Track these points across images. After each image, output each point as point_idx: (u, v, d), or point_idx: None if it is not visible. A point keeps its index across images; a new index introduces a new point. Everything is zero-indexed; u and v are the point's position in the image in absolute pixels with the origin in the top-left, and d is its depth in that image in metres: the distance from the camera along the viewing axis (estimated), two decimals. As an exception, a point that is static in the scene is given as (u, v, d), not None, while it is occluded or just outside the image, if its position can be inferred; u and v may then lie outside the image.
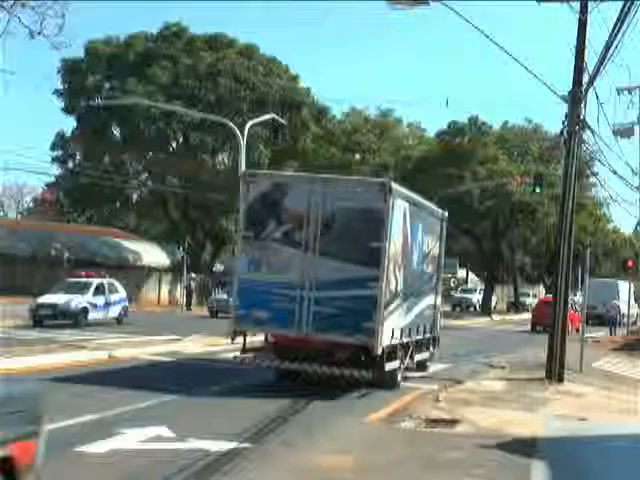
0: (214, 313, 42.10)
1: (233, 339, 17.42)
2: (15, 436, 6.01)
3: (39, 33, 15.75)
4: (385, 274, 16.45)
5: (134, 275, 54.56)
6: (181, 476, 9.44)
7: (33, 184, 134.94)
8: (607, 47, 18.08)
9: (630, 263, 44.53)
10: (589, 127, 21.15)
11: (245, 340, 17.75)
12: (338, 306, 16.35)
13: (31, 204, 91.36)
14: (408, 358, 19.15)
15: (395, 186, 17.52)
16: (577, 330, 32.79)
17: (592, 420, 15.07)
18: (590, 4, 19.40)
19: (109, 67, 52.65)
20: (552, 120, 37.75)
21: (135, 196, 60.06)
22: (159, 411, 13.50)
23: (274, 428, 12.50)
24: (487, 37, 19.25)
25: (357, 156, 60.90)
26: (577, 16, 19.53)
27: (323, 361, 16.86)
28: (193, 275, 50.59)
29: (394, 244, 17.14)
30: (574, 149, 20.27)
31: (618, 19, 16.89)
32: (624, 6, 16.50)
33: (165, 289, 54.29)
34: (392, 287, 17.25)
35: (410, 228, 18.66)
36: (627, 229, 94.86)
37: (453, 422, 13.93)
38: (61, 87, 52.70)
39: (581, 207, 57.27)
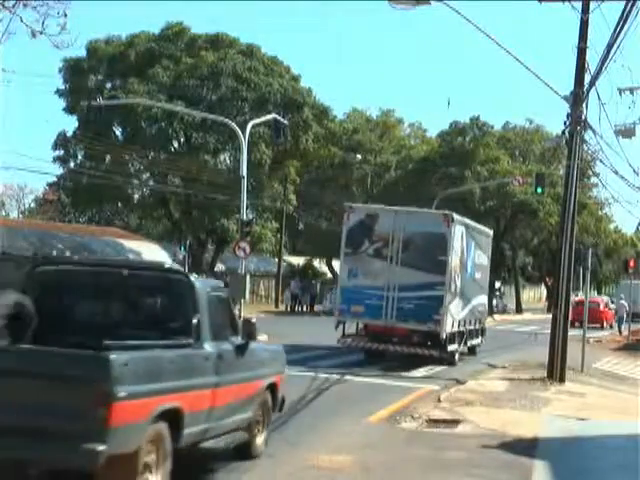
0: None
1: (337, 327, 23.68)
2: (277, 372, 11.27)
3: (41, 32, 15.72)
4: (448, 280, 22.57)
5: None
6: (185, 474, 9.43)
7: (34, 184, 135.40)
8: (609, 47, 18.06)
9: (632, 263, 44.54)
10: (591, 127, 21.16)
11: (344, 328, 23.90)
12: (414, 303, 22.34)
13: (32, 204, 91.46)
14: (463, 343, 24.95)
15: (455, 216, 23.68)
16: (611, 326, 40.56)
17: (594, 420, 15.07)
18: (592, 4, 19.39)
19: (110, 67, 52.61)
20: (554, 120, 37.81)
21: (136, 196, 60.01)
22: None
23: (276, 427, 12.48)
24: (488, 37, 19.26)
25: (358, 156, 60.84)
26: (579, 16, 19.52)
27: (403, 343, 22.93)
28: (195, 275, 50.60)
29: (454, 258, 23.30)
30: (576, 149, 20.26)
31: (620, 19, 16.87)
32: (626, 6, 16.48)
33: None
34: (453, 289, 23.28)
35: (466, 245, 24.97)
36: (629, 229, 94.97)
37: (454, 422, 13.93)
38: (62, 87, 52.71)
39: (583, 207, 57.29)
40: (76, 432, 7.23)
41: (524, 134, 72.26)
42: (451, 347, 23.35)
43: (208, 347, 9.13)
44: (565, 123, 20.31)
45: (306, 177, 61.90)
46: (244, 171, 31.72)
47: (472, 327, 26.34)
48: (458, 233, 23.93)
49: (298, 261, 70.76)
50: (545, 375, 20.51)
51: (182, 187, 51.38)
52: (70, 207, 74.02)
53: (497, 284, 71.89)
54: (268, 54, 54.75)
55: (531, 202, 60.30)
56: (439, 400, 16.24)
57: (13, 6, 15.71)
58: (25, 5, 15.73)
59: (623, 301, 47.99)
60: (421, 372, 21.78)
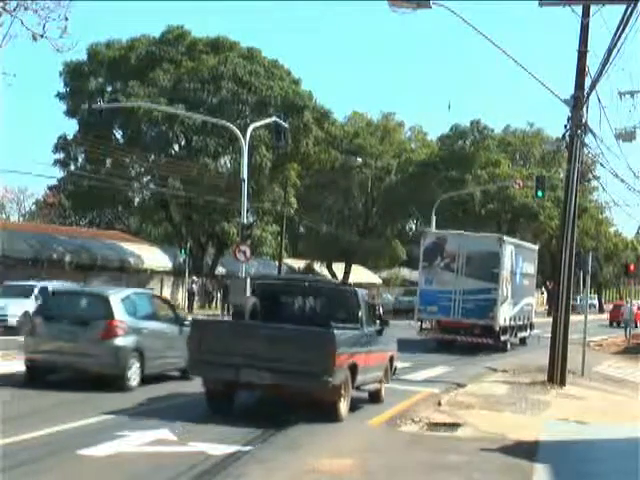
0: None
1: (417, 323, 32.08)
2: (394, 349, 16.93)
3: (42, 36, 15.72)
4: (500, 286, 29.72)
5: (136, 278, 54.56)
6: (183, 479, 9.45)
7: (35, 187, 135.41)
8: (609, 51, 18.05)
9: (631, 267, 44.51)
10: (591, 131, 21.14)
11: (422, 324, 32.04)
12: (475, 304, 29.65)
13: (33, 207, 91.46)
14: (513, 335, 32.83)
15: (505, 238, 32.35)
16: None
17: (594, 424, 15.06)
18: (592, 8, 19.38)
19: (111, 70, 52.65)
20: (554, 124, 37.93)
21: (137, 199, 60.05)
22: (161, 414, 13.49)
23: (276, 431, 12.49)
24: (489, 40, 19.27)
25: (359, 159, 60.89)
26: (579, 20, 19.52)
27: (467, 334, 30.36)
28: (195, 278, 50.59)
29: (505, 269, 30.69)
30: (576, 153, 20.26)
31: (620, 23, 16.87)
32: (626, 10, 16.48)
33: (167, 292, 54.31)
34: (504, 294, 30.52)
35: (515, 260, 32.41)
36: (629, 232, 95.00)
37: (455, 425, 13.92)
38: (63, 90, 52.75)
39: (583, 211, 57.32)
40: (317, 372, 13.05)
41: (524, 137, 72.34)
42: (503, 337, 30.99)
43: (366, 330, 15.14)
44: (565, 126, 20.31)
45: (307, 180, 61.90)
46: (245, 174, 31.74)
47: (521, 322, 33.83)
48: (508, 251, 31.35)
49: (299, 264, 70.77)
50: (546, 379, 20.50)
51: (182, 190, 51.35)
52: (70, 210, 74.01)
53: None
54: (269, 57, 54.82)
55: (531, 205, 60.36)
56: (439, 403, 16.24)
57: (14, 9, 15.71)
58: (26, 8, 15.73)
59: (630, 305, 47.80)
60: (422, 375, 21.79)
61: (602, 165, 24.76)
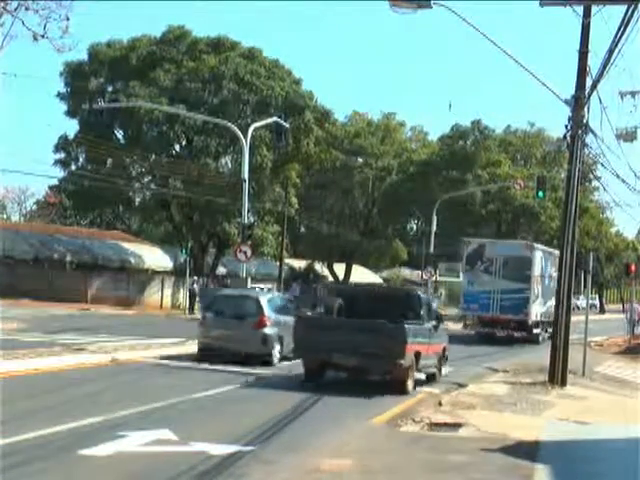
0: None
1: (461, 319, 38.64)
2: (446, 341, 21.33)
3: (42, 36, 15.72)
4: (532, 287, 34.61)
5: (137, 278, 54.58)
6: (183, 479, 9.45)
7: (36, 187, 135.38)
8: (610, 51, 18.04)
9: (632, 267, 44.47)
10: (592, 131, 21.13)
11: (465, 320, 38.14)
12: (510, 301, 34.69)
13: (34, 207, 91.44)
14: (544, 330, 36.44)
15: (535, 245, 37.95)
16: None
17: (595, 424, 15.06)
18: (593, 8, 19.36)
19: (112, 70, 52.65)
20: (555, 124, 38.10)
21: (138, 199, 60.03)
22: (162, 414, 13.50)
23: (277, 431, 12.49)
24: (490, 40, 19.27)
25: (360, 159, 60.87)
26: (580, 20, 19.51)
27: (503, 328, 35.54)
28: (196, 278, 50.60)
29: (536, 272, 35.76)
30: (577, 153, 20.26)
31: (621, 23, 16.86)
32: (627, 10, 16.47)
33: (168, 292, 54.32)
34: (535, 293, 35.80)
35: (544, 264, 37.23)
36: (630, 233, 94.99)
37: (456, 426, 13.92)
38: (64, 90, 52.75)
39: (584, 211, 57.27)
40: (392, 356, 17.06)
41: (525, 138, 72.26)
42: (536, 331, 36.48)
43: (426, 325, 19.22)
44: (566, 127, 20.31)
45: (307, 180, 61.91)
46: (245, 174, 31.73)
47: (549, 319, 35.10)
48: (538, 256, 36.67)
49: (299, 264, 70.75)
50: (546, 379, 20.51)
51: (183, 190, 51.33)
52: (71, 210, 74.00)
53: None
54: (269, 57, 54.80)
55: (532, 206, 60.28)
56: (440, 404, 16.24)
57: (15, 9, 15.72)
58: (27, 8, 15.74)
59: (636, 304, 48.36)
60: (422, 375, 21.70)
61: (603, 165, 24.75)
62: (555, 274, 37.77)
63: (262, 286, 40.30)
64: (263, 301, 22.73)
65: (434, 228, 53.61)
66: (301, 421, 13.59)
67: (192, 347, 25.32)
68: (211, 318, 22.64)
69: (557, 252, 42.19)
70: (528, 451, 11.96)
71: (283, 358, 21.96)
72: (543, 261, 37.26)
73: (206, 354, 21.84)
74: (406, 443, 12.44)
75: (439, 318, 20.53)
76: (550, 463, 11.24)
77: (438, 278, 58.34)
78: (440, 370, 20.78)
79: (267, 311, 22.24)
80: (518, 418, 15.17)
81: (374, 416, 14.60)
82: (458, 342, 27.88)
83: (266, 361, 21.45)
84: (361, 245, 68.37)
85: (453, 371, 23.09)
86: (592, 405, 17.97)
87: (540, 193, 39.02)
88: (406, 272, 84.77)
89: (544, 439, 13.12)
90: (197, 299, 50.25)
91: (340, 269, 70.93)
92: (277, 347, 21.89)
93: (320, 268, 72.33)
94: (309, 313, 25.18)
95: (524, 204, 60.87)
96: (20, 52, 25.55)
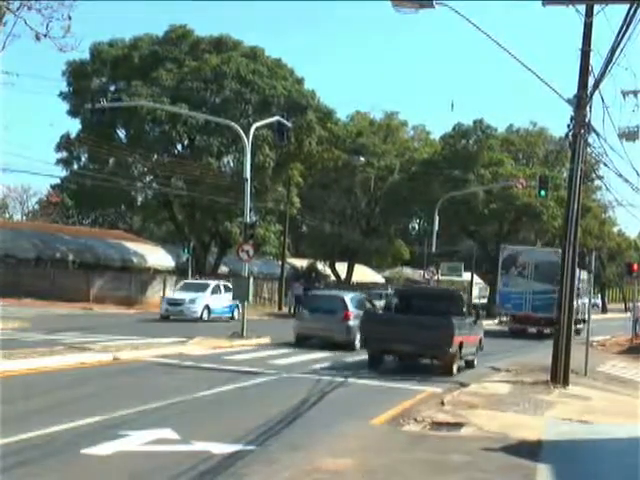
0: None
1: (497, 318, 47.16)
2: (482, 333, 25.48)
3: (45, 35, 15.74)
4: (584, 286, 36.68)
5: (139, 277, 54.63)
6: (185, 478, 9.44)
7: (38, 186, 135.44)
8: (612, 50, 18.01)
9: (635, 267, 44.45)
10: (594, 130, 21.09)
11: (501, 317, 46.20)
12: (541, 301, 38.66)
13: (36, 206, 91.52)
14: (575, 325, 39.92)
15: None
16: None
17: (597, 424, 15.04)
18: (595, 7, 19.33)
19: (114, 69, 52.71)
20: (557, 123, 38.09)
21: (140, 198, 60.10)
22: (163, 413, 13.50)
23: (278, 430, 12.49)
24: (492, 39, 19.24)
25: (362, 159, 60.87)
26: (583, 19, 19.48)
27: (535, 325, 40.85)
28: (198, 277, 50.59)
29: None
30: (579, 152, 20.23)
31: (624, 22, 16.83)
32: (629, 9, 16.43)
33: (170, 292, 54.34)
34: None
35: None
36: (632, 232, 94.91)
37: (458, 425, 13.91)
38: (66, 89, 52.78)
39: (586, 210, 57.23)
40: (443, 344, 20.92)
41: (528, 137, 72.24)
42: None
43: (467, 320, 23.02)
44: (569, 126, 20.26)
45: (309, 180, 61.92)
46: (248, 174, 31.67)
47: (577, 317, 39.86)
48: None
49: (302, 263, 70.77)
50: (549, 378, 20.48)
51: (185, 190, 51.40)
52: (74, 209, 74.10)
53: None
54: (272, 57, 54.85)
55: (534, 205, 60.21)
56: (442, 403, 16.22)
57: (18, 9, 15.72)
58: (29, 8, 15.75)
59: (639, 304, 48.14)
60: (423, 375, 21.75)
61: (605, 165, 24.68)
62: (584, 277, 42.62)
63: (217, 282, 41.85)
64: (347, 299, 28.73)
65: (436, 227, 53.57)
66: (303, 420, 13.58)
67: (194, 346, 25.36)
68: (306, 313, 29.00)
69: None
70: (530, 451, 11.94)
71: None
72: None
73: (301, 340, 28.10)
74: (408, 443, 12.43)
75: (478, 314, 25.56)
76: (552, 463, 11.22)
77: (440, 277, 58.28)
78: (477, 354, 24.80)
79: (350, 307, 27.91)
80: (520, 418, 15.15)
81: (376, 415, 14.59)
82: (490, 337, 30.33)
83: (350, 347, 26.57)
84: (363, 244, 68.38)
85: (455, 371, 23.07)
86: (594, 405, 17.94)
87: (542, 192, 39.09)
88: (408, 271, 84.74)
89: (546, 439, 13.10)
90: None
91: (342, 268, 70.95)
92: (358, 336, 24.98)
93: (322, 267, 72.36)
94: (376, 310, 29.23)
95: (526, 203, 60.80)
96: (23, 51, 25.52)
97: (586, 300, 45.42)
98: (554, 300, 37.89)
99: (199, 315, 39.04)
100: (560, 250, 39.63)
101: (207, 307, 39.68)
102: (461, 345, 21.86)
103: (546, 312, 37.90)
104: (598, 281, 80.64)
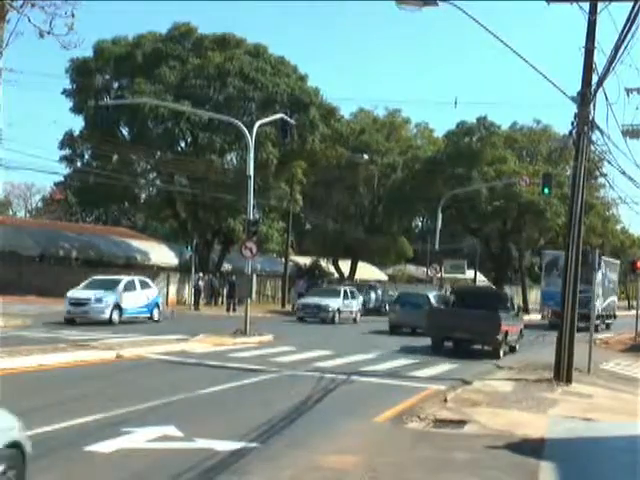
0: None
1: (540, 313, 54.99)
2: (522, 324, 32.30)
3: (48, 33, 15.74)
4: (594, 288, 35.10)
5: (142, 274, 54.58)
6: (188, 475, 9.45)
7: (41, 183, 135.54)
8: (616, 48, 17.97)
9: (638, 264, 44.44)
10: (598, 128, 21.06)
11: (546, 314, 52.24)
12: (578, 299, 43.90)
13: (39, 203, 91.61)
14: (603, 322, 47.71)
15: (603, 257, 43.13)
16: None
17: (601, 421, 15.03)
18: (599, 5, 19.30)
19: (117, 67, 52.69)
20: (561, 121, 38.01)
21: (143, 195, 60.13)
22: (167, 410, 13.51)
23: (281, 428, 12.49)
24: (496, 37, 19.22)
25: (365, 156, 60.85)
26: (586, 17, 19.45)
27: None
28: (201, 275, 50.64)
29: (598, 277, 37.92)
30: (583, 150, 20.20)
31: (627, 20, 16.80)
32: (633, 6, 16.40)
33: (173, 288, 54.37)
34: (597, 293, 38.82)
35: (604, 270, 46.49)
36: (636, 230, 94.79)
37: (461, 423, 13.90)
38: (69, 87, 52.77)
39: (590, 208, 57.18)
40: (492, 333, 26.51)
41: (531, 134, 72.14)
42: (596, 322, 41.21)
43: (511, 313, 29.35)
44: (572, 123, 20.23)
45: (313, 177, 61.86)
46: (251, 171, 31.66)
47: (607, 313, 50.11)
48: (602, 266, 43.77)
49: (305, 261, 70.76)
50: (552, 376, 20.46)
51: (189, 187, 51.40)
52: (77, 206, 74.12)
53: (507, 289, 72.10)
54: (275, 54, 54.79)
55: (538, 202, 60.15)
56: (445, 400, 16.21)
57: (21, 6, 15.73)
58: (33, 5, 15.76)
59: None
60: (428, 372, 21.78)
61: (609, 162, 24.65)
62: (614, 278, 52.45)
63: (130, 278, 37.31)
64: (431, 296, 37.22)
65: (439, 225, 53.54)
66: (305, 418, 13.59)
67: (197, 344, 25.37)
68: (398, 307, 37.50)
69: (616, 261, 57.81)
70: (533, 448, 11.94)
71: None
72: (604, 268, 46.99)
73: (394, 329, 36.40)
74: (411, 440, 12.43)
75: (519, 309, 32.54)
76: (556, 461, 11.22)
77: (443, 275, 58.26)
78: (517, 343, 30.18)
79: (433, 302, 35.40)
80: (523, 415, 15.14)
81: (379, 413, 14.59)
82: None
83: None
84: (366, 242, 68.34)
85: (458, 368, 23.10)
86: (598, 402, 17.93)
87: (546, 190, 38.90)
88: (411, 269, 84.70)
89: (549, 436, 13.10)
90: (202, 295, 50.32)
91: (345, 266, 70.94)
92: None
93: (325, 265, 72.33)
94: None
95: (530, 201, 60.74)
96: (26, 49, 25.54)
97: (615, 298, 55.80)
98: (589, 298, 43.51)
99: (107, 316, 32.75)
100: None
101: (118, 306, 33.51)
102: (506, 334, 27.24)
103: (582, 308, 41.18)
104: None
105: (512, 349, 29.02)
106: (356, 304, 44.93)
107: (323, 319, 41.54)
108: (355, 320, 44.06)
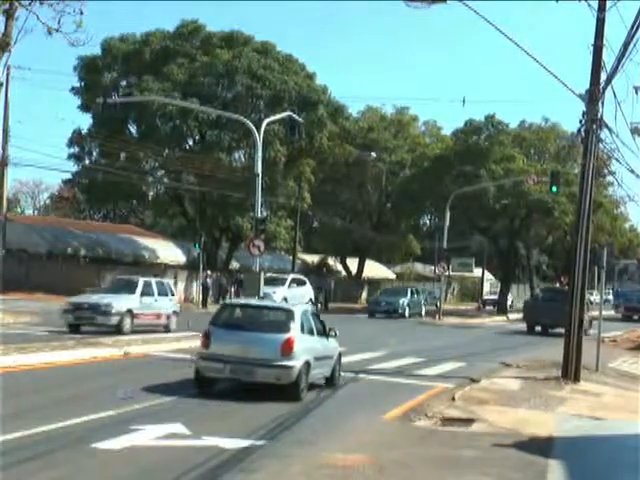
0: None
1: (615, 309, 62.76)
2: (588, 312, 36.34)
3: (57, 30, 15.78)
4: None
5: (150, 272, 54.59)
6: (196, 473, 9.46)
7: (50, 181, 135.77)
8: (625, 45, 17.95)
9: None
10: (607, 125, 21.00)
11: (617, 307, 62.28)
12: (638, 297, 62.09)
13: (48, 201, 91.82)
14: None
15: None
16: None
17: (608, 420, 15.01)
18: (608, 2, 19.25)
19: (125, 64, 52.74)
20: (569, 119, 37.94)
21: (151, 193, 60.19)
22: (174, 408, 13.53)
23: (289, 426, 12.50)
24: (504, 35, 19.20)
25: (373, 154, 60.77)
26: (595, 14, 19.41)
27: (638, 313, 61.83)
28: (209, 272, 50.65)
29: None
30: (591, 148, 20.15)
31: (636, 17, 16.77)
32: (643, 4, 16.38)
33: (181, 286, 54.39)
34: None
35: None
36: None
37: (469, 421, 13.89)
38: (78, 84, 52.85)
39: (598, 206, 56.99)
40: (563, 317, 21.38)
41: (539, 132, 71.87)
42: None
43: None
44: (581, 121, 20.19)
45: (321, 175, 61.83)
46: (259, 169, 31.66)
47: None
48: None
49: (312, 259, 70.75)
50: (560, 374, 20.42)
51: (197, 185, 51.42)
52: (85, 204, 74.23)
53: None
54: (283, 52, 54.77)
55: (546, 201, 59.92)
56: (453, 399, 16.20)
57: (29, 4, 15.76)
58: (41, 3, 15.79)
59: None
60: (435, 371, 21.77)
61: (617, 160, 24.60)
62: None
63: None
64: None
65: (447, 223, 53.45)
66: (314, 416, 13.59)
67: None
68: (532, 302, 45.48)
69: None
70: (541, 447, 11.92)
71: None
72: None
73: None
74: (419, 438, 12.43)
75: (588, 302, 35.67)
76: (564, 459, 11.21)
77: (451, 273, 58.18)
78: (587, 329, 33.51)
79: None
80: (531, 413, 15.13)
81: (387, 411, 14.59)
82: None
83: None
84: (374, 240, 68.33)
85: (466, 366, 23.09)
86: (606, 401, 17.90)
87: (554, 188, 38.86)
88: (419, 267, 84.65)
89: (558, 435, 13.08)
90: (210, 293, 50.30)
91: (353, 264, 70.89)
92: None
93: (333, 263, 72.29)
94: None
95: (538, 199, 60.51)
96: (34, 46, 25.62)
97: None
98: None
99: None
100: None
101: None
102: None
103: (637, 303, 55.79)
104: (610, 277, 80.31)
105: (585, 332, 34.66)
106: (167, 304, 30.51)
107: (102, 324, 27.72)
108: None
